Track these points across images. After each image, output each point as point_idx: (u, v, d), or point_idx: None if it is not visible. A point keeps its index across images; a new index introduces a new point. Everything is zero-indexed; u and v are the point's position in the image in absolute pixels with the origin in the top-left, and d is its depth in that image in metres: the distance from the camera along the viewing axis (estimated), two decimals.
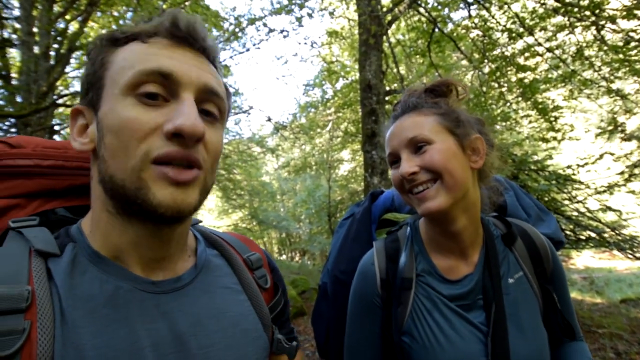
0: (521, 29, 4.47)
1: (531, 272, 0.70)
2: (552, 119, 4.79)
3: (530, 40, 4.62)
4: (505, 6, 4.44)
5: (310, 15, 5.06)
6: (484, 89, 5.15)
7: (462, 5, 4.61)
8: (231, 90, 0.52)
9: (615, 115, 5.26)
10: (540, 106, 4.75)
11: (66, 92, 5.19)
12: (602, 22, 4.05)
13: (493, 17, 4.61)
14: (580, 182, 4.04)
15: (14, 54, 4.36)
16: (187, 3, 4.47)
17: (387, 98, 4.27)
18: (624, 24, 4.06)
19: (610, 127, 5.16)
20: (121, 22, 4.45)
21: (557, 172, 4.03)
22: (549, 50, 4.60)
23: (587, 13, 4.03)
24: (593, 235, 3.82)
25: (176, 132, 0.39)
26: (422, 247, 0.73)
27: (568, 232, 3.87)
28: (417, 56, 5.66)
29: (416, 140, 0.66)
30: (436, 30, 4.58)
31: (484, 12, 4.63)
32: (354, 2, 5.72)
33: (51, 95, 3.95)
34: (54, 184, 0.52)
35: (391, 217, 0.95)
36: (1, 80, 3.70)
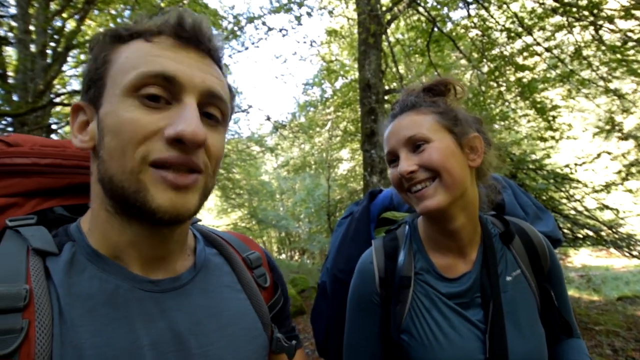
0: (520, 29, 4.48)
1: (529, 270, 0.71)
2: (550, 118, 4.81)
3: (529, 39, 4.64)
4: (504, 6, 4.45)
5: (309, 14, 5.05)
6: (483, 88, 5.16)
7: (461, 4, 4.61)
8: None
9: (612, 115, 5.29)
10: (538, 105, 4.76)
11: (63, 90, 5.16)
12: (600, 22, 4.07)
13: (492, 16, 4.62)
14: (578, 181, 4.07)
15: (10, 52, 4.33)
16: (185, 1, 4.45)
17: (386, 97, 4.27)
18: (622, 24, 4.08)
19: (607, 127, 5.19)
20: (119, 20, 4.42)
21: (555, 171, 4.05)
22: (548, 49, 4.61)
23: (586, 13, 4.04)
24: (590, 233, 3.85)
25: (177, 138, 0.39)
26: (421, 246, 0.74)
27: (566, 231, 3.90)
28: (417, 55, 5.66)
29: (415, 139, 0.66)
30: (435, 29, 4.58)
31: (483, 12, 4.64)
32: (353, 1, 5.71)
33: (48, 94, 3.93)
34: (52, 183, 0.52)
35: (390, 215, 0.95)
36: None
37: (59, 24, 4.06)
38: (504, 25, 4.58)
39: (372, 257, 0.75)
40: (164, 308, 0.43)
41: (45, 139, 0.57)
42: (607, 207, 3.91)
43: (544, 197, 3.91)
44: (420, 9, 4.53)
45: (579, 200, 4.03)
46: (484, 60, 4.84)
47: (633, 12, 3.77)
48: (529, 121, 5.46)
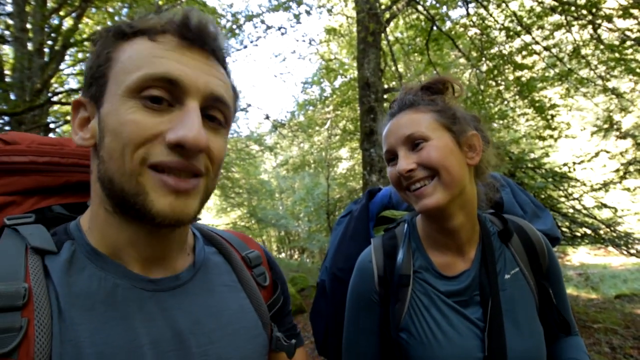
0: (519, 28, 4.48)
1: (527, 268, 0.71)
2: (549, 117, 4.83)
3: (527, 38, 4.64)
4: (503, 4, 4.44)
5: (308, 13, 5.04)
6: (482, 87, 5.16)
7: (460, 3, 4.61)
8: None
9: (611, 114, 5.30)
10: (537, 104, 4.77)
11: (61, 89, 5.14)
12: (599, 21, 4.07)
13: (491, 15, 4.62)
14: (576, 180, 4.08)
15: (7, 50, 4.30)
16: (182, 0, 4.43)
17: (385, 96, 4.27)
18: (620, 22, 4.09)
19: (606, 125, 5.21)
20: (116, 18, 4.40)
21: (553, 169, 4.06)
22: (546, 48, 4.62)
23: (584, 12, 4.04)
24: (588, 232, 3.87)
25: (178, 144, 0.38)
26: (420, 244, 0.74)
27: (564, 229, 3.91)
28: (416, 54, 5.66)
29: (413, 137, 0.66)
30: (434, 28, 4.58)
31: (482, 11, 4.64)
32: (352, 0, 5.70)
33: (45, 93, 3.91)
34: (50, 181, 0.52)
35: (389, 214, 0.95)
36: None
37: (56, 22, 4.03)
38: (502, 24, 4.59)
39: (371, 255, 0.75)
40: (164, 307, 0.43)
41: (43, 137, 0.57)
42: (605, 206, 3.93)
43: (543, 196, 3.92)
44: (420, 8, 4.53)
45: (577, 199, 4.05)
46: (483, 59, 4.84)
47: (631, 11, 3.78)
48: (527, 120, 5.47)
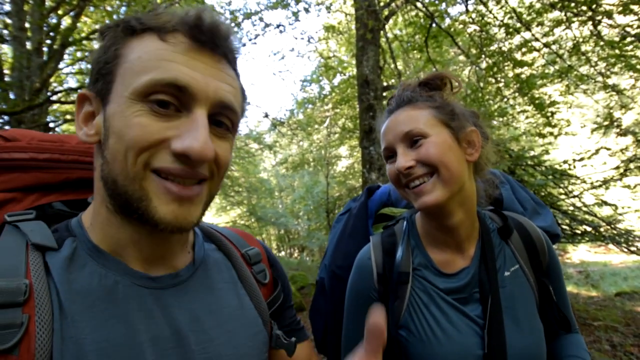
0: (518, 24, 4.46)
1: (527, 265, 0.71)
2: (549, 114, 4.82)
3: (527, 35, 4.63)
4: (503, 1, 4.42)
5: (306, 10, 5.02)
6: (481, 84, 5.15)
7: (459, 0, 4.59)
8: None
9: (611, 111, 5.29)
10: (537, 101, 4.76)
11: (60, 88, 5.13)
12: (599, 17, 4.06)
13: (490, 12, 4.60)
14: (577, 177, 4.08)
15: (5, 49, 4.29)
16: None
17: (384, 94, 4.26)
18: (620, 19, 4.07)
19: (606, 122, 5.20)
20: (115, 17, 4.38)
21: (553, 167, 4.06)
22: (546, 45, 4.60)
23: (584, 8, 4.03)
24: (589, 229, 3.87)
25: (184, 154, 0.38)
26: (419, 241, 0.74)
27: (564, 227, 3.91)
28: (415, 51, 5.64)
29: (412, 134, 0.66)
30: (433, 25, 4.56)
31: (481, 7, 4.62)
32: None
33: (45, 92, 3.90)
34: (50, 178, 0.52)
35: (388, 211, 0.95)
36: None
37: (54, 20, 4.02)
38: (502, 21, 4.57)
39: (370, 253, 0.74)
40: (164, 304, 0.43)
41: (43, 134, 0.57)
42: (605, 203, 3.92)
43: (543, 193, 3.92)
44: (418, 5, 4.50)
45: (577, 196, 4.04)
46: (483, 56, 4.82)
47: (631, 7, 3.76)
48: (527, 117, 5.46)
